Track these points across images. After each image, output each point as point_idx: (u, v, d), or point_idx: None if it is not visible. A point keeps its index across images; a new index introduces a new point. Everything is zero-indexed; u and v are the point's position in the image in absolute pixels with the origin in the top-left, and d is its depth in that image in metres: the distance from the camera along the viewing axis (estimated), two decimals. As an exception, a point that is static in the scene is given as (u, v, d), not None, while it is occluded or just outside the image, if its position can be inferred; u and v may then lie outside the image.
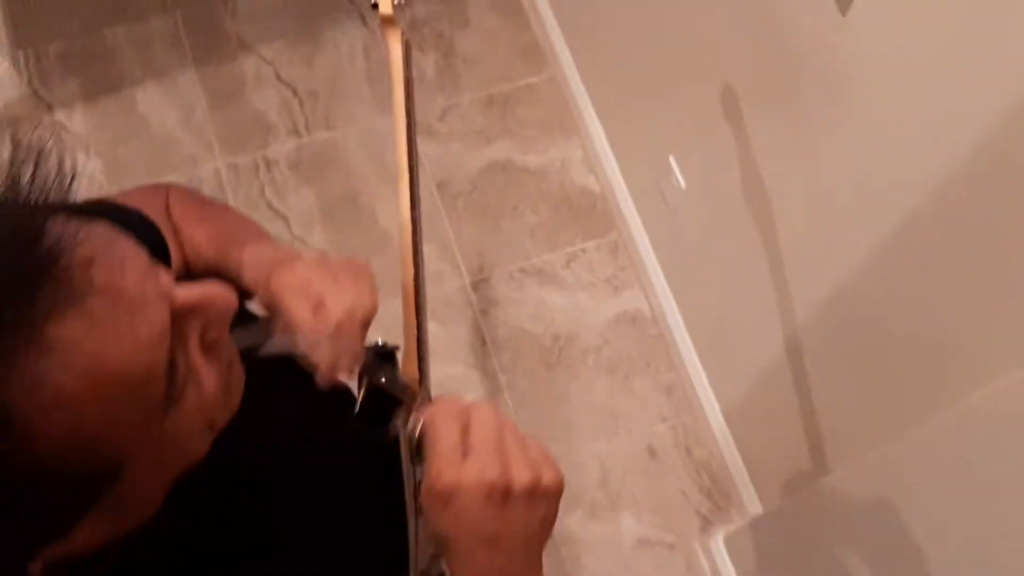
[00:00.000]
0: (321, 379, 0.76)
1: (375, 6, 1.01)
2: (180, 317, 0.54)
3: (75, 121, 2.33)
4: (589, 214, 2.31)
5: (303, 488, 0.77)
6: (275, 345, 0.72)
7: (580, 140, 2.37)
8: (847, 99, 1.25)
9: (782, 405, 1.72)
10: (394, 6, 1.01)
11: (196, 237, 0.91)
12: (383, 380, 0.77)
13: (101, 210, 0.69)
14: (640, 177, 2.15)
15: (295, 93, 2.40)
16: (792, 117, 1.41)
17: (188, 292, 0.55)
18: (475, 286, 2.24)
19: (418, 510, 0.81)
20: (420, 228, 0.98)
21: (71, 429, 0.49)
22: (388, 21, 1.01)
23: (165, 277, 0.54)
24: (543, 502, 0.65)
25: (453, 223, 2.29)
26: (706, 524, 2.06)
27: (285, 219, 2.28)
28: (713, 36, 1.58)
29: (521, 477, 0.64)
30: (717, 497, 2.09)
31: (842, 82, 1.25)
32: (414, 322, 0.93)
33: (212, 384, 0.57)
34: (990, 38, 0.98)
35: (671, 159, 1.88)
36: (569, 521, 2.05)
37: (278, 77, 2.42)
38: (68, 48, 2.40)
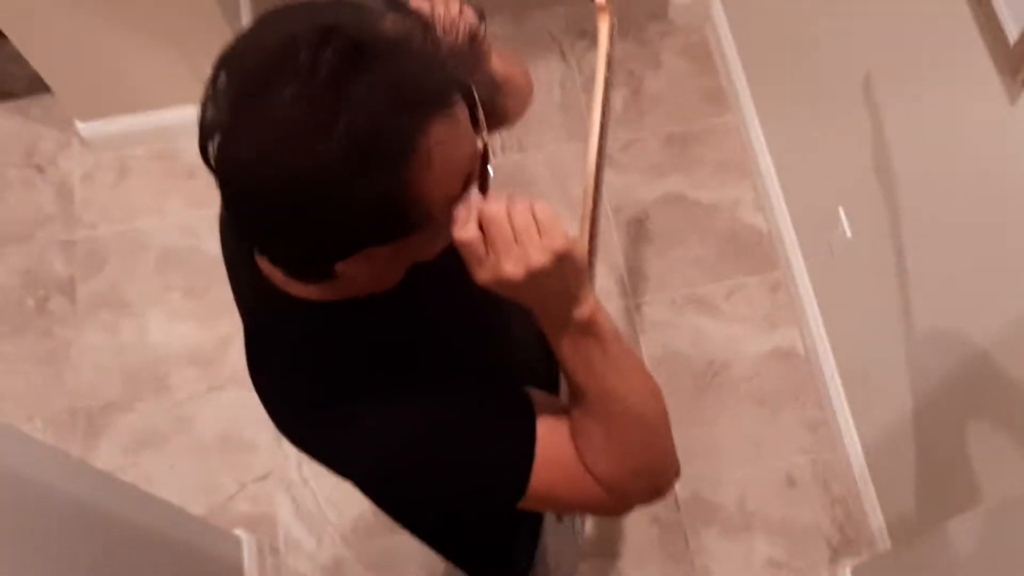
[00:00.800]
0: None
1: None
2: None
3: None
4: (754, 252, 2.46)
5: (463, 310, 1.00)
6: None
7: (753, 182, 2.52)
8: (1012, 178, 1.37)
9: (920, 450, 1.83)
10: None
11: None
12: None
13: None
14: (808, 223, 2.28)
15: (494, 116, 2.64)
16: (955, 192, 1.53)
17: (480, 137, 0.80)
18: (638, 307, 2.43)
19: None
20: (601, 186, 1.23)
21: (428, 180, 0.74)
22: (602, 9, 1.24)
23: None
24: (563, 263, 0.82)
25: (624, 246, 2.48)
26: (835, 555, 2.17)
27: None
28: (886, 107, 1.71)
29: (539, 259, 0.81)
30: (849, 531, 2.19)
31: (1006, 164, 1.37)
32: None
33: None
34: None
35: (840, 209, 2.01)
36: (704, 535, 2.20)
37: (480, 100, 2.67)
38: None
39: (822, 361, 2.26)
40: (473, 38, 0.76)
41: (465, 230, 0.80)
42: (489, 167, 0.82)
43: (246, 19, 2.71)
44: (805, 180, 2.28)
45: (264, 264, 0.91)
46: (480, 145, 0.80)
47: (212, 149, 0.73)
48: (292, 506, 2.27)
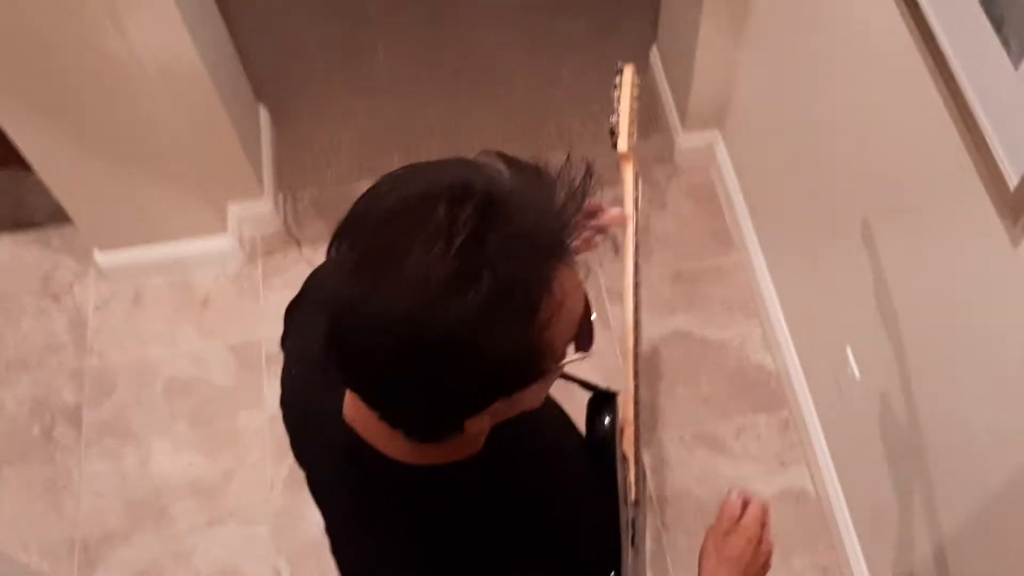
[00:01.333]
0: None
1: (615, 146, 1.28)
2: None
3: (318, 256, 2.70)
4: (763, 390, 2.45)
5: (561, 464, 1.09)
6: None
7: (760, 321, 2.54)
8: (1015, 320, 1.38)
9: (940, 598, 1.78)
10: (630, 147, 1.27)
11: None
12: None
13: None
14: (815, 362, 2.28)
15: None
16: (960, 334, 1.54)
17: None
18: (646, 444, 2.40)
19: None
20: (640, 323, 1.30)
21: (557, 327, 0.75)
22: (625, 157, 1.28)
23: None
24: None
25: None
26: None
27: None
28: (887, 251, 1.74)
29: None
30: None
31: (1010, 306, 1.38)
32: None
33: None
34: None
35: (848, 349, 2.02)
36: None
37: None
38: (320, 195, 2.81)
39: (833, 502, 2.22)
40: (586, 179, 0.78)
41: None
42: (593, 314, 0.84)
43: (266, 152, 2.81)
44: (812, 320, 2.29)
45: (366, 426, 0.91)
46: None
47: (334, 325, 0.75)
48: (289, 646, 2.20)
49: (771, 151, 2.39)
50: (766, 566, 1.15)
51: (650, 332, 2.56)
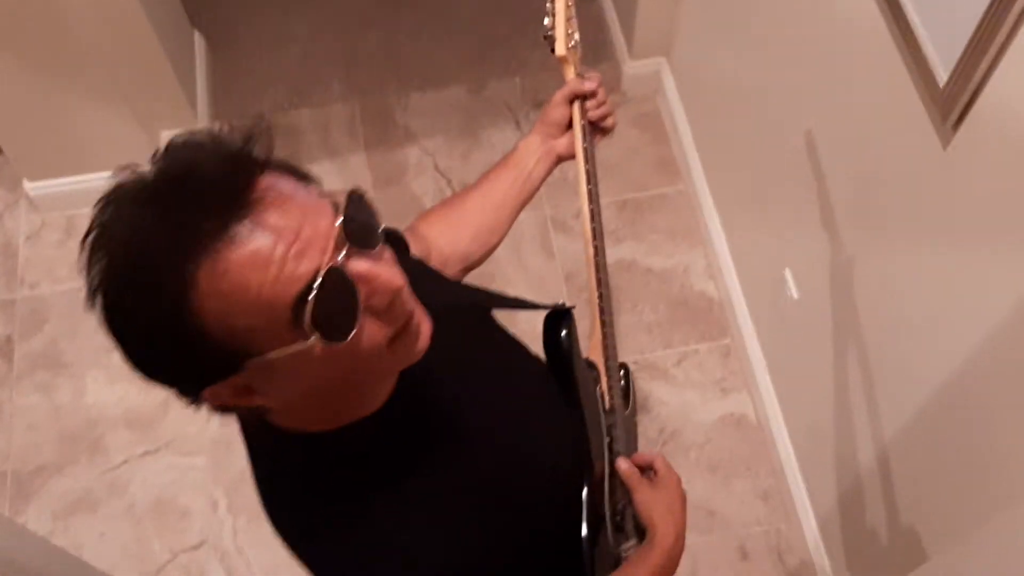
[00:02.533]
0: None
1: (552, 51, 1.24)
2: (357, 279, 0.75)
3: (256, 187, 2.64)
4: (705, 318, 2.45)
5: (491, 421, 1.03)
6: None
7: (704, 249, 2.52)
8: (944, 228, 1.37)
9: (872, 515, 1.79)
10: (568, 48, 1.24)
11: None
12: None
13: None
14: (756, 287, 2.28)
15: (450, 183, 2.65)
16: (895, 241, 1.53)
17: (358, 265, 0.75)
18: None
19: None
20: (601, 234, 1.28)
21: (213, 311, 0.71)
22: (564, 60, 1.27)
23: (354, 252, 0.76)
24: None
25: (576, 312, 2.45)
26: (789, 629, 2.09)
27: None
28: (828, 163, 1.72)
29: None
30: (804, 605, 2.13)
31: (940, 211, 1.37)
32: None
33: (372, 332, 0.77)
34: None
35: (787, 271, 2.01)
36: (655, 607, 2.12)
37: (436, 167, 2.68)
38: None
39: (773, 427, 2.22)
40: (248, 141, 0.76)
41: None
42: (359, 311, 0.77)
43: (201, 79, 2.73)
44: (753, 245, 2.28)
45: None
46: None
47: None
48: (226, 576, 2.18)
49: (715, 76, 2.36)
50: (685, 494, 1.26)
51: (595, 262, 2.53)
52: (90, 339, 2.44)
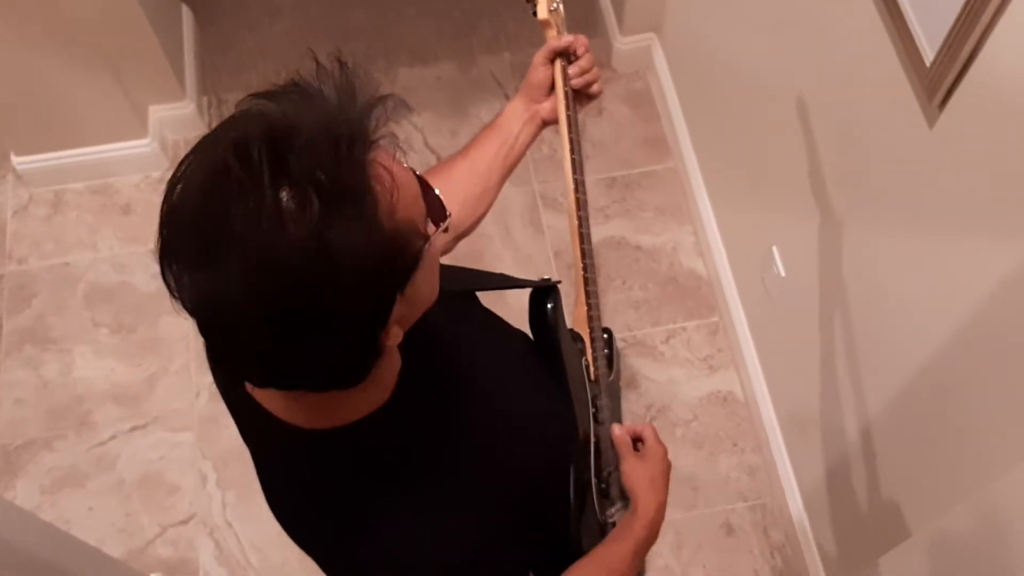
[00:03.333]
0: None
1: (534, 14, 1.24)
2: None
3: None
4: (693, 296, 2.45)
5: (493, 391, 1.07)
6: None
7: (693, 227, 2.52)
8: (929, 207, 1.38)
9: (854, 491, 1.80)
10: (550, 11, 1.23)
11: None
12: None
13: None
14: (745, 265, 2.28)
15: (439, 159, 2.64)
16: (880, 220, 1.54)
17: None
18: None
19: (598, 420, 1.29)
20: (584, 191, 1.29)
21: (398, 209, 0.73)
22: (546, 24, 1.25)
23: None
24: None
25: (565, 288, 2.46)
26: (773, 603, 2.12)
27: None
28: (816, 141, 1.72)
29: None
30: (788, 579, 2.15)
31: (925, 190, 1.37)
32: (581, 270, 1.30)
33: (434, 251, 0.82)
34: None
35: (774, 249, 2.01)
36: (641, 582, 2.15)
37: (426, 143, 2.67)
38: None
39: (760, 405, 2.24)
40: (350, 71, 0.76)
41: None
42: (436, 191, 0.84)
43: (189, 53, 2.71)
44: (742, 223, 2.28)
45: (262, 395, 0.89)
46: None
47: (209, 330, 0.74)
48: (215, 550, 2.18)
49: (705, 53, 2.36)
50: (670, 467, 1.30)
51: (583, 239, 2.53)
52: (78, 314, 2.44)
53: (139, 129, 2.56)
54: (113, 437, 2.29)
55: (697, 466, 2.26)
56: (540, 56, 1.26)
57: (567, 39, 1.23)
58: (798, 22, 1.75)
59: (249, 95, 0.75)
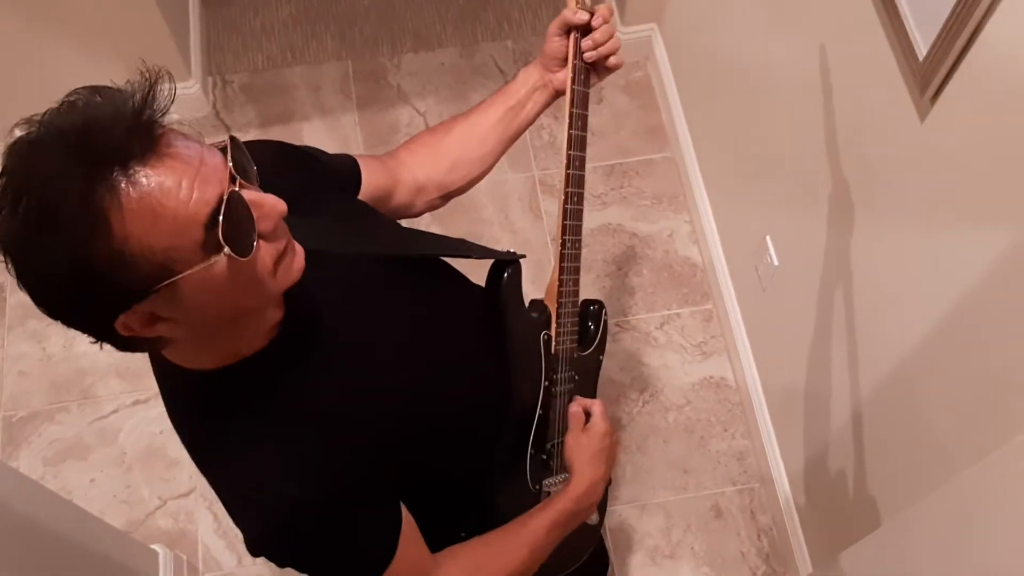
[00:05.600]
0: None
1: None
2: (251, 204, 0.84)
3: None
4: (688, 283, 2.49)
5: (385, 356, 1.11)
6: None
7: (689, 215, 2.56)
8: (920, 199, 1.41)
9: (840, 478, 1.85)
10: None
11: None
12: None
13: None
14: (739, 254, 2.32)
15: (438, 143, 2.67)
16: (872, 211, 1.58)
17: (248, 194, 0.84)
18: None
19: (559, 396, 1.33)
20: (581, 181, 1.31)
21: (134, 235, 0.78)
22: None
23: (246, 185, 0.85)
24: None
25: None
26: (760, 584, 2.17)
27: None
28: (809, 133, 1.76)
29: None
30: (774, 562, 2.19)
31: (915, 182, 1.41)
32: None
33: (263, 251, 0.86)
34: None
35: (768, 238, 2.05)
36: (630, 561, 2.19)
37: (427, 127, 2.70)
38: (251, 80, 2.75)
39: (751, 391, 2.28)
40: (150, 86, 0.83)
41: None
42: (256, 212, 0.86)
43: (195, 33, 2.73)
44: (737, 212, 2.32)
45: None
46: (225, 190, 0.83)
47: None
48: (214, 523, 2.23)
49: (705, 44, 2.39)
50: (615, 446, 1.34)
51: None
52: (81, 289, 2.47)
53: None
54: (115, 411, 2.33)
55: (688, 450, 2.30)
56: (554, 26, 1.24)
57: (583, 16, 1.21)
58: (795, 15, 1.79)
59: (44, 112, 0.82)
